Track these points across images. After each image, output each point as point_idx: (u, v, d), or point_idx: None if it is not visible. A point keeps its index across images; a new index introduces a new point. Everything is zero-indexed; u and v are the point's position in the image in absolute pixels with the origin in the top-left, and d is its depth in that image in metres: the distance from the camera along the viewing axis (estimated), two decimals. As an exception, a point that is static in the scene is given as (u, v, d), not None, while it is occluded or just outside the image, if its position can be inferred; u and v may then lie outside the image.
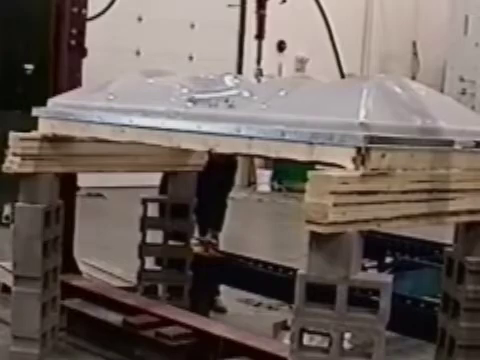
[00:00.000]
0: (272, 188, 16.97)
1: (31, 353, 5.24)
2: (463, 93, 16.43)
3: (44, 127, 5.32)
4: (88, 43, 6.67)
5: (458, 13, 16.76)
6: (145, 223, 6.34)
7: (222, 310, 7.16)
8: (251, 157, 10.37)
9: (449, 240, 4.65)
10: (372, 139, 3.53)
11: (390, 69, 18.34)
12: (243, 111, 4.19)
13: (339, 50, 7.56)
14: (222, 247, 7.15)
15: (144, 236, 6.35)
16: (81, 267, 6.96)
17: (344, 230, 3.48)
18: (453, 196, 3.90)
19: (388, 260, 7.53)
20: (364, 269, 6.39)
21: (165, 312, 5.69)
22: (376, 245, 7.24)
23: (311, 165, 3.70)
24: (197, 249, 6.66)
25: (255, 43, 6.47)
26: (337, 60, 7.58)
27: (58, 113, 5.26)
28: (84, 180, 6.95)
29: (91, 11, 6.84)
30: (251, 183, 17.36)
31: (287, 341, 4.76)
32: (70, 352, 5.69)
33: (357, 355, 3.76)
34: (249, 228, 12.17)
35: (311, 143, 3.71)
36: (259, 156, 4.25)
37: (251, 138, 4.01)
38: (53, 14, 6.58)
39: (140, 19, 15.48)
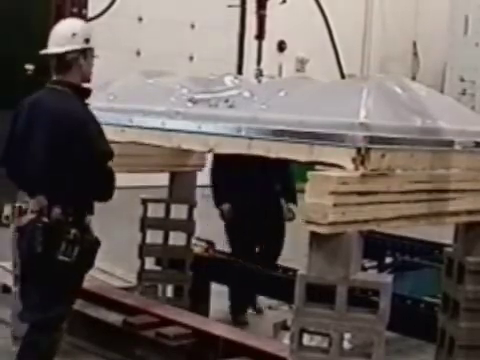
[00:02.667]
0: (272, 188, 16.94)
1: (31, 353, 5.23)
2: (463, 93, 16.43)
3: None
4: (88, 43, 6.67)
5: (458, 13, 16.75)
6: (145, 223, 6.34)
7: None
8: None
9: (449, 240, 4.66)
10: (372, 139, 3.53)
11: (390, 69, 18.34)
12: (243, 111, 4.19)
13: (339, 50, 7.56)
14: (222, 247, 7.14)
15: (144, 236, 6.35)
16: (81, 267, 6.94)
17: (344, 230, 3.49)
18: (453, 196, 3.90)
19: (388, 260, 7.53)
20: (364, 269, 6.40)
21: (165, 312, 5.69)
22: (376, 245, 7.24)
23: (311, 165, 3.70)
24: (197, 249, 6.65)
25: (255, 43, 6.47)
26: (337, 60, 7.59)
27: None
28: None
29: (91, 11, 6.84)
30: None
31: (287, 341, 4.75)
32: (70, 352, 5.69)
33: (357, 355, 3.76)
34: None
35: (311, 143, 3.71)
36: (259, 156, 4.25)
37: (251, 138, 4.02)
38: (53, 14, 6.59)
39: (140, 19, 15.47)
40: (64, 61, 4.39)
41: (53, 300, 4.35)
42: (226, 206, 6.77)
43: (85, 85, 4.50)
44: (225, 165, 6.45)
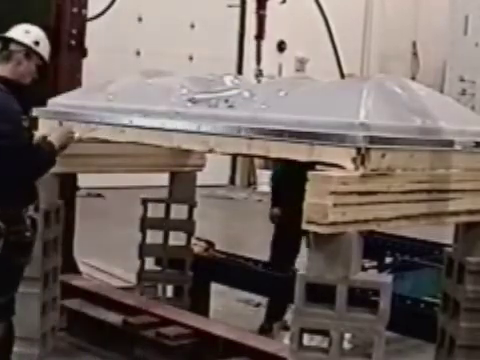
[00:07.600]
0: (272, 188, 16.96)
1: (31, 353, 5.24)
2: (463, 93, 16.44)
3: (44, 127, 5.32)
4: (88, 43, 6.67)
5: (458, 13, 16.77)
6: (145, 223, 6.34)
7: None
8: (251, 157, 10.35)
9: (449, 240, 4.66)
10: (372, 139, 3.53)
11: (390, 69, 18.35)
12: (243, 111, 4.19)
13: (339, 50, 7.55)
14: (222, 247, 7.14)
15: (144, 236, 6.35)
16: (81, 267, 6.95)
17: (344, 230, 3.48)
18: (453, 196, 3.90)
19: (388, 260, 7.53)
20: (364, 269, 6.39)
21: (165, 312, 5.69)
22: (376, 245, 7.24)
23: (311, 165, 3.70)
24: (197, 249, 6.65)
25: (255, 43, 6.45)
26: (337, 60, 7.57)
27: (58, 113, 5.26)
28: (84, 180, 6.94)
29: (91, 11, 6.83)
30: (251, 183, 17.37)
31: (287, 341, 4.75)
32: (70, 352, 5.69)
33: (357, 355, 3.76)
34: (249, 228, 12.16)
35: (311, 143, 3.71)
36: (259, 156, 4.25)
37: (251, 138, 4.02)
38: (53, 14, 6.58)
39: (140, 19, 15.49)
40: (7, 50, 4.49)
41: None
42: (276, 210, 6.75)
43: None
44: (286, 169, 6.46)
